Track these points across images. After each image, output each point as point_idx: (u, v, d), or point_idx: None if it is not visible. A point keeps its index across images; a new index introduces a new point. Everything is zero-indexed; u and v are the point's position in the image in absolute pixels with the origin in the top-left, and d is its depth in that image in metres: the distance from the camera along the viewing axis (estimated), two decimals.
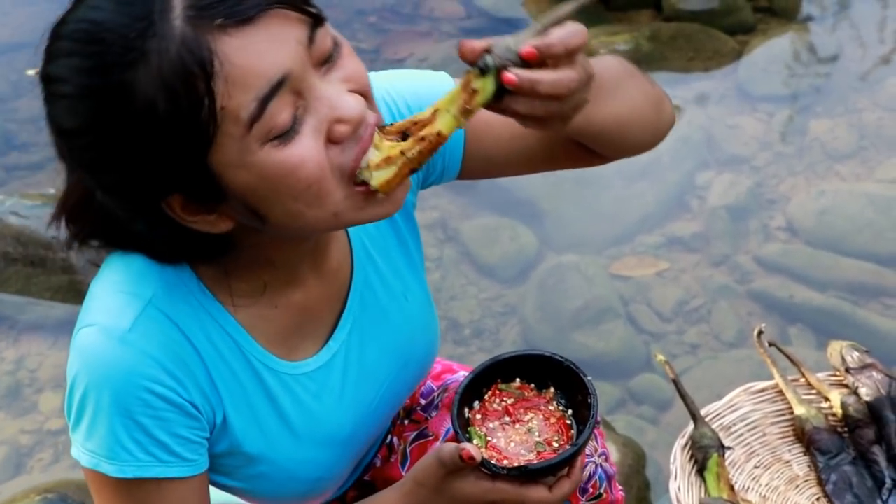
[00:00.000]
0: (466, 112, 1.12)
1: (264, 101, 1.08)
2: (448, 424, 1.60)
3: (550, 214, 3.23)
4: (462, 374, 1.74)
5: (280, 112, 1.10)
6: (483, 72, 1.09)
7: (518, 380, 1.47)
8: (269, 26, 1.08)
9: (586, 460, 1.58)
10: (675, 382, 2.02)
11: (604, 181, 3.24)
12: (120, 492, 1.28)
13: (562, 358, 1.44)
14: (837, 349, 2.09)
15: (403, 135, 1.17)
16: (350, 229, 1.40)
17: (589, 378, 1.40)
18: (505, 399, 1.46)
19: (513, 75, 1.08)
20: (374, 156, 1.17)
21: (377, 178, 1.17)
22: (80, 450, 1.26)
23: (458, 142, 1.42)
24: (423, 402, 1.71)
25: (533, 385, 1.46)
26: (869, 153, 3.33)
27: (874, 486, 1.95)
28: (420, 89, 1.40)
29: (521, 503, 1.35)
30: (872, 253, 3.00)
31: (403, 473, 1.59)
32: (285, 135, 1.11)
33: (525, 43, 1.09)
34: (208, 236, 1.19)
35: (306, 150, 1.12)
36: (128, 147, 1.09)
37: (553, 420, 1.43)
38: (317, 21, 1.13)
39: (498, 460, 1.36)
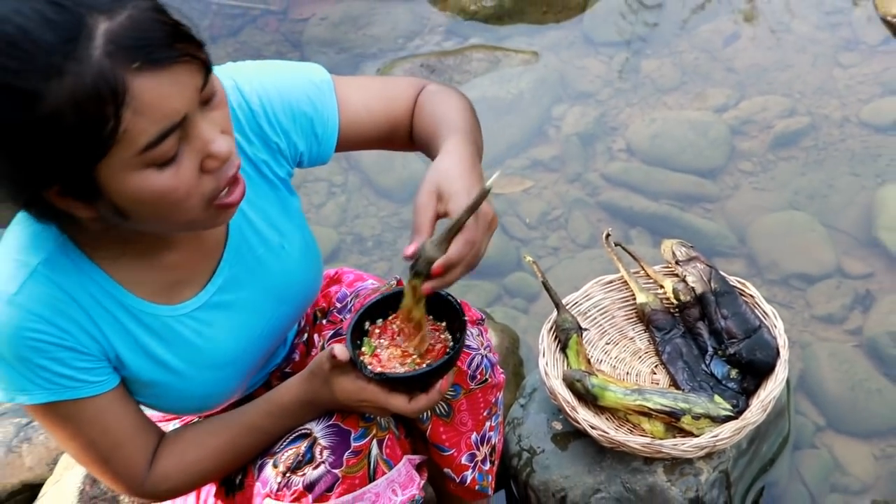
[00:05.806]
0: (418, 305, 1.34)
1: (163, 136, 1.08)
2: None
3: None
4: (371, 283, 1.73)
5: (169, 144, 1.10)
6: (415, 274, 1.28)
7: None
8: (177, 73, 1.08)
9: (473, 353, 1.59)
10: (542, 278, 2.07)
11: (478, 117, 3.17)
12: (44, 412, 1.28)
13: (453, 298, 1.42)
14: (669, 246, 2.15)
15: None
16: None
17: (465, 318, 1.40)
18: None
19: (428, 286, 1.26)
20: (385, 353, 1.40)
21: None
22: None
23: (332, 135, 1.45)
24: (338, 305, 1.71)
25: (431, 317, 1.43)
26: (689, 86, 3.33)
27: (699, 353, 2.05)
28: (287, 85, 1.40)
29: (385, 407, 1.35)
30: (694, 168, 3.02)
31: None
32: (165, 162, 1.11)
33: (437, 260, 1.24)
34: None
35: (179, 179, 1.12)
36: (18, 145, 1.06)
37: (438, 347, 1.41)
38: (209, 70, 1.13)
39: (373, 366, 1.36)
